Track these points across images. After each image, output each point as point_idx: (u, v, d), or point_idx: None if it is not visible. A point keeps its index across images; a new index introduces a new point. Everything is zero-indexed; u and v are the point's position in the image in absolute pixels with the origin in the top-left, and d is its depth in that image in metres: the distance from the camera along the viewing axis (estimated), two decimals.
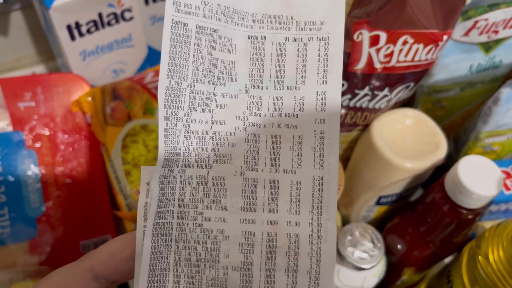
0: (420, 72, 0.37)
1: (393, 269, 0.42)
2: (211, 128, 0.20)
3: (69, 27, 0.44)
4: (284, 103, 0.21)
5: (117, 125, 0.43)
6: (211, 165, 0.20)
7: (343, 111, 0.39)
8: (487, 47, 0.43)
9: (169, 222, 0.20)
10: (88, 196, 0.46)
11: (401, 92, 0.38)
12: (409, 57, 0.35)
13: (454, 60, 0.43)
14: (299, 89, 0.21)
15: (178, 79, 0.20)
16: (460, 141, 0.46)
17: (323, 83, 0.20)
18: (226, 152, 0.20)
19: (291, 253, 0.19)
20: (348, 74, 0.35)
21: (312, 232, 0.19)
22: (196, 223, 0.20)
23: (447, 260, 0.46)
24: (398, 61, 0.35)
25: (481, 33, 0.41)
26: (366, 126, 0.40)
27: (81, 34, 0.45)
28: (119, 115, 0.43)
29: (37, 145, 0.45)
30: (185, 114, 0.20)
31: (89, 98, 0.45)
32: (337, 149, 0.20)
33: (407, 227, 0.40)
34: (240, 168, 0.20)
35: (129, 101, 0.44)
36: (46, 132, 0.46)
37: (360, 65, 0.35)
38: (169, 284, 0.20)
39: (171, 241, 0.20)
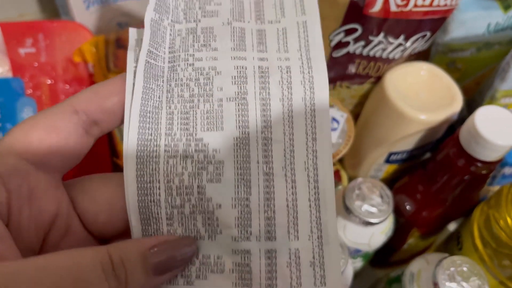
0: (438, 20, 0.36)
1: (400, 231, 0.41)
2: None
3: None
4: None
5: (120, 72, 0.42)
6: (199, 19, 0.21)
7: (356, 61, 0.37)
8: (506, 5, 0.41)
9: (161, 66, 0.20)
10: None
11: (416, 42, 0.37)
12: (428, 1, 0.33)
13: (472, 17, 0.41)
14: None
15: None
16: (474, 103, 0.44)
17: None
18: (213, 9, 0.21)
19: (284, 82, 0.20)
20: (362, 17, 0.34)
21: (302, 64, 0.20)
22: (187, 63, 0.20)
23: (452, 228, 0.45)
24: (415, 5, 0.33)
25: None
26: (379, 79, 0.39)
27: None
28: (123, 64, 0.42)
29: (38, 93, 0.44)
30: None
31: (93, 48, 0.44)
32: None
33: (417, 185, 0.39)
34: (227, 19, 0.21)
35: None
36: (47, 81, 0.44)
37: (376, 8, 0.33)
38: (162, 120, 0.19)
39: (163, 82, 0.20)
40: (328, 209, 0.18)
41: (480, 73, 0.46)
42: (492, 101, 0.41)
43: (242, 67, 0.20)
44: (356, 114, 0.42)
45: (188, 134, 0.19)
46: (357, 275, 0.44)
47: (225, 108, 0.19)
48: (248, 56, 0.20)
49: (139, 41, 0.20)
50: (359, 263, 0.41)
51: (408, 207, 0.39)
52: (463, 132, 0.34)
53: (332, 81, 0.39)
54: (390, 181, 0.43)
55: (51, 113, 0.18)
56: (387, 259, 0.45)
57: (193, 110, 0.19)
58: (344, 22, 0.34)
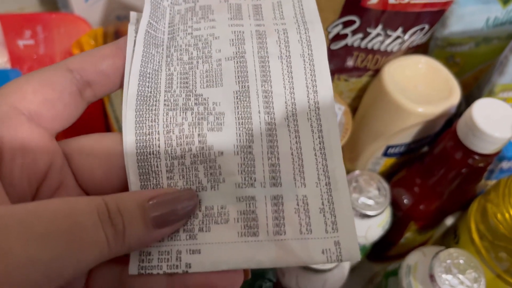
0: (436, 13, 0.36)
1: (398, 225, 0.41)
2: None
3: None
4: None
5: None
6: (198, 0, 0.22)
7: (354, 53, 0.37)
8: None
9: (160, 37, 0.21)
10: None
11: (415, 35, 0.37)
12: None
13: (471, 11, 0.41)
14: None
15: None
16: (472, 97, 0.44)
17: None
18: None
19: (282, 42, 0.20)
20: (361, 9, 0.34)
21: (299, 26, 0.20)
22: (186, 33, 0.21)
23: (450, 222, 0.45)
24: None
25: None
26: (377, 72, 0.39)
27: None
28: None
29: None
30: None
31: (91, 40, 0.44)
32: None
33: (415, 179, 0.39)
34: None
35: None
36: None
37: (374, 0, 0.33)
38: (161, 80, 0.20)
39: (162, 49, 0.20)
40: (335, 157, 0.18)
41: (478, 67, 0.46)
42: (490, 95, 0.41)
43: (240, 32, 0.20)
44: (354, 107, 0.42)
45: (188, 90, 0.19)
46: (354, 268, 0.43)
47: (224, 67, 0.20)
48: (245, 24, 0.21)
49: (140, 20, 0.20)
50: None
51: (405, 201, 0.39)
52: (461, 125, 0.34)
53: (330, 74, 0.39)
54: (388, 175, 0.43)
55: (46, 70, 0.18)
56: (384, 253, 0.45)
57: (192, 71, 0.20)
58: (342, 14, 0.34)
